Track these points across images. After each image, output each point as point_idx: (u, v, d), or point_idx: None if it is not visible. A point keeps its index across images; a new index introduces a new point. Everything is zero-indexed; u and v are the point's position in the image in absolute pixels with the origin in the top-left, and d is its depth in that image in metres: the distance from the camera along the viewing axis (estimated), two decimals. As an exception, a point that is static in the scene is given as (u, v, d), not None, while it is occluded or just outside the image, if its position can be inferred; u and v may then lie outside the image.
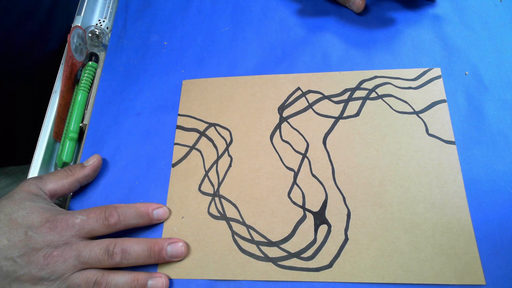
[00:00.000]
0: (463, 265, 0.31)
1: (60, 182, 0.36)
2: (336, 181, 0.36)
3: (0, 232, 0.31)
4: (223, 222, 0.36)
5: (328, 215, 0.35)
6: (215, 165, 0.38)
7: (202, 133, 0.40)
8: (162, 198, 0.37)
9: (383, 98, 0.39)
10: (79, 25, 0.47)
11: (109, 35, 0.48)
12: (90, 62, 0.45)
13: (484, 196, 0.34)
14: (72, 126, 0.42)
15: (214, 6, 0.47)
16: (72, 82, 0.45)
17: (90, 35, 0.47)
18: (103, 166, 0.39)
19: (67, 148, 0.41)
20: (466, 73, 0.39)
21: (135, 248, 0.33)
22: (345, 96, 0.39)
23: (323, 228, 0.34)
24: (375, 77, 0.40)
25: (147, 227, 0.36)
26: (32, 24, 0.47)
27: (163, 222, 0.36)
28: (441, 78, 0.39)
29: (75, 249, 0.32)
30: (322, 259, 0.33)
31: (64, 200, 0.40)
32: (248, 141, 0.39)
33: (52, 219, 0.32)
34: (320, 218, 0.35)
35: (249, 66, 0.43)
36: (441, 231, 0.33)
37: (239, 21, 0.46)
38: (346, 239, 0.34)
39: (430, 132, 0.37)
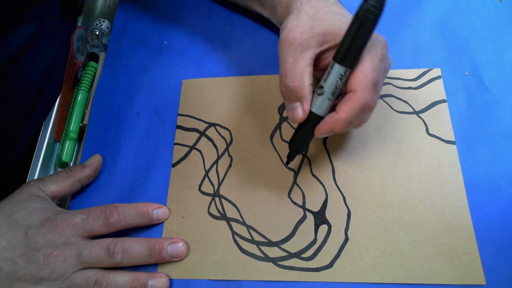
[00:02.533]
0: (463, 265, 0.31)
1: (61, 183, 0.36)
2: (336, 181, 0.36)
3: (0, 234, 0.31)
4: (223, 222, 0.36)
5: (328, 215, 0.35)
6: (215, 165, 0.38)
7: (202, 133, 0.40)
8: (162, 198, 0.37)
9: (383, 98, 0.39)
10: (79, 25, 0.47)
11: (109, 35, 0.48)
12: (90, 62, 0.45)
13: (485, 196, 0.34)
14: (72, 126, 0.42)
15: (213, 6, 0.47)
16: (73, 82, 0.45)
17: (90, 35, 0.47)
18: (103, 166, 0.39)
19: (67, 148, 0.41)
20: (466, 73, 0.39)
21: (135, 247, 0.33)
22: (345, 96, 0.39)
23: (323, 228, 0.34)
24: (375, 77, 0.40)
25: (147, 227, 0.36)
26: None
27: (163, 222, 0.36)
28: (441, 78, 0.39)
29: (75, 248, 0.32)
30: (322, 259, 0.33)
31: (64, 200, 0.40)
32: (248, 141, 0.39)
33: (52, 219, 0.32)
34: (320, 218, 0.35)
35: (249, 66, 0.43)
36: (441, 231, 0.33)
37: (239, 21, 0.46)
38: (346, 239, 0.34)
39: (430, 132, 0.37)
